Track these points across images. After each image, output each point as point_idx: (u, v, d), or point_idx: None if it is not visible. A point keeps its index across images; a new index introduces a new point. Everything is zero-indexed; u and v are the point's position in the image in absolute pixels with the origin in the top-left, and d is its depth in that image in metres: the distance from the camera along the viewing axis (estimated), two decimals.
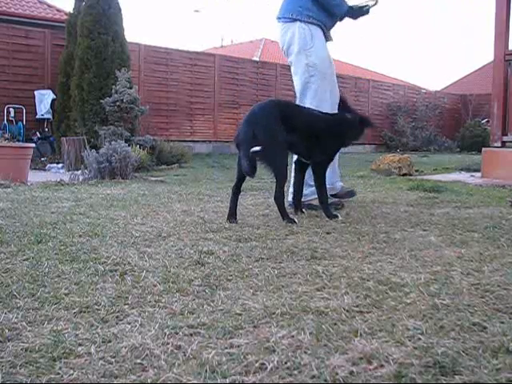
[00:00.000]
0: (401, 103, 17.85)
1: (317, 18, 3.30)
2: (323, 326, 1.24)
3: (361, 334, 1.20)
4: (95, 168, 5.51)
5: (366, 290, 1.54)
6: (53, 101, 9.51)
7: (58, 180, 5.09)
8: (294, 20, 3.30)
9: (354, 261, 1.92)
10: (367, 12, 3.48)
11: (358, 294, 1.50)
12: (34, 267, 1.76)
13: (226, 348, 1.13)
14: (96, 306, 1.39)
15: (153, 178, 5.77)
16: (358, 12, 3.46)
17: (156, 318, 1.31)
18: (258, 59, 18.37)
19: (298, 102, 3.32)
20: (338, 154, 3.26)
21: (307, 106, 3.21)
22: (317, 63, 3.28)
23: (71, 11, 9.27)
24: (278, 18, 3.43)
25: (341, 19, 3.49)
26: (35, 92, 9.64)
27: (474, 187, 4.93)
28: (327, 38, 3.45)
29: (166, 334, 1.20)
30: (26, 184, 4.95)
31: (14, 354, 1.09)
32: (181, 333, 1.21)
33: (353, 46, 78.64)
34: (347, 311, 1.36)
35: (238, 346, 1.13)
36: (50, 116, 9.57)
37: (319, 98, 3.27)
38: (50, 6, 12.79)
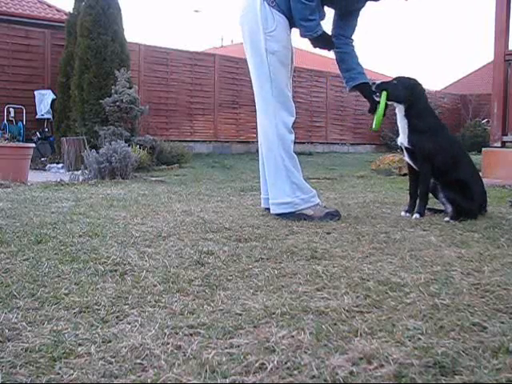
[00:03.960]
0: None
1: (281, 5, 2.81)
2: (323, 326, 1.24)
3: (361, 334, 1.20)
4: (95, 168, 5.51)
5: (366, 290, 1.54)
6: (53, 101, 9.50)
7: (58, 180, 5.09)
8: None
9: (354, 261, 1.92)
10: (332, 47, 2.99)
11: (358, 294, 1.50)
12: (34, 267, 1.76)
13: (226, 348, 1.13)
14: (96, 306, 1.39)
15: (153, 178, 5.77)
16: (326, 42, 2.95)
17: (156, 318, 1.30)
18: None
19: (257, 98, 2.93)
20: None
21: (268, 103, 2.86)
22: (277, 50, 2.82)
23: (71, 11, 9.27)
24: None
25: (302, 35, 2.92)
26: (35, 92, 9.63)
27: None
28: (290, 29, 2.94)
29: (165, 333, 1.20)
30: (26, 184, 4.94)
31: (14, 353, 1.09)
32: (181, 333, 1.21)
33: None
34: (347, 311, 1.36)
35: (238, 346, 1.13)
36: (50, 116, 9.56)
37: (281, 95, 2.87)
38: (49, 6, 12.78)
